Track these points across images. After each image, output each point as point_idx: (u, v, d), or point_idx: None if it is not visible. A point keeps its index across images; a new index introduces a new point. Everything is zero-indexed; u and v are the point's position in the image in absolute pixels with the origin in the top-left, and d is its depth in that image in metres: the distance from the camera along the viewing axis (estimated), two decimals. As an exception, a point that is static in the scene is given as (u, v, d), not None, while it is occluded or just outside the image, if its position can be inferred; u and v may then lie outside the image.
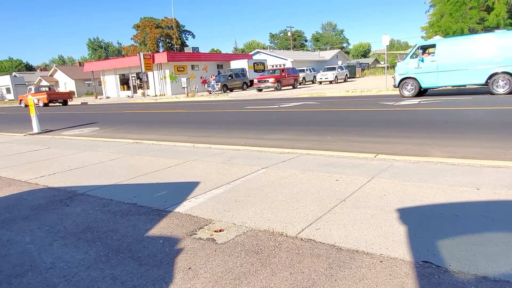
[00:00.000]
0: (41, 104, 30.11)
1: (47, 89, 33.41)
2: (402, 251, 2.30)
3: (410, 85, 14.94)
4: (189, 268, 2.28)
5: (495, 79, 13.09)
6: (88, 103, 33.73)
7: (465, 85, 14.37)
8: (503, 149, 5.13)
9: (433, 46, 14.44)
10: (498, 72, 12.96)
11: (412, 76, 14.76)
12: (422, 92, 15.08)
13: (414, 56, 14.78)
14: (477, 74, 13.37)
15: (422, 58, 14.48)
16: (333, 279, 2.05)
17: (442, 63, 14.01)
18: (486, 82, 13.32)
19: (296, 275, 2.12)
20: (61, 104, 32.75)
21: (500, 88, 13.08)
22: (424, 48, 14.82)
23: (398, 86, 15.41)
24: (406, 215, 2.87)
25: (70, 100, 33.48)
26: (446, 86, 14.75)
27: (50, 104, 31.60)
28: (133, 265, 2.36)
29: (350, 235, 2.58)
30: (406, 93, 15.08)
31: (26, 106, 26.11)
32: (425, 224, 2.66)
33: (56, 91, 36.43)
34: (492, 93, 13.24)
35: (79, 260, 2.48)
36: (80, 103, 34.53)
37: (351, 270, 2.13)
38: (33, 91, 32.12)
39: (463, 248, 2.28)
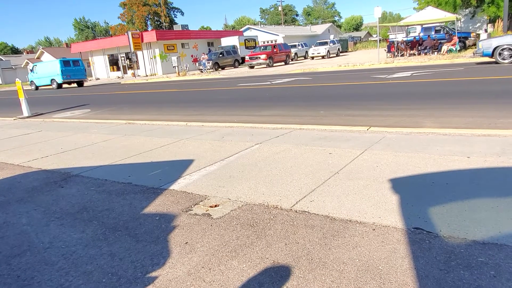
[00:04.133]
0: None
1: None
2: (394, 219, 2.35)
3: (34, 84, 30.58)
4: (186, 243, 2.32)
5: (53, 81, 28.91)
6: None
7: (48, 85, 29.32)
8: (494, 118, 5.18)
9: (36, 65, 30.88)
10: (54, 79, 28.92)
11: (33, 80, 30.39)
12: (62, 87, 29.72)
13: (31, 69, 31.02)
14: (48, 79, 29.11)
15: (34, 71, 30.43)
16: (327, 248, 2.10)
17: (39, 74, 29.94)
18: (53, 83, 29.17)
19: (291, 246, 2.16)
20: None
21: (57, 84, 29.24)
22: (35, 66, 30.87)
23: (30, 83, 31.59)
24: (398, 184, 2.92)
25: None
26: (43, 85, 29.89)
27: None
28: (131, 241, 2.39)
29: (344, 206, 2.62)
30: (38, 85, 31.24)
31: None
32: (417, 193, 2.71)
33: None
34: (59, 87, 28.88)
35: (77, 239, 2.51)
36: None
37: (344, 239, 2.18)
38: None
39: (453, 214, 2.34)
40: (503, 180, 2.82)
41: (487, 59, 13.98)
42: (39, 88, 30.73)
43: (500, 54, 13.16)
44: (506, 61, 13.07)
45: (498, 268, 1.76)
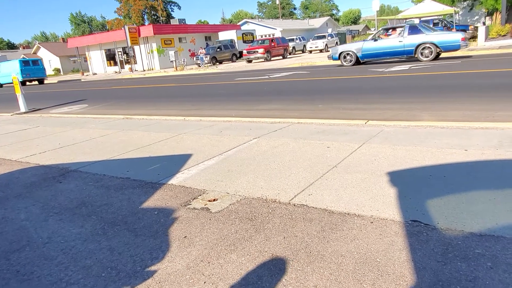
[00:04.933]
0: None
1: None
2: (392, 212, 2.37)
3: None
4: (185, 237, 2.33)
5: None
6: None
7: (10, 82, 28.39)
8: (492, 111, 5.18)
9: (0, 64, 33.00)
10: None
11: None
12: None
13: None
14: (10, 77, 27.75)
15: None
16: (325, 241, 2.11)
17: (2, 72, 32.13)
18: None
19: (290, 239, 2.17)
20: None
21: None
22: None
23: None
24: (396, 178, 2.93)
25: None
26: (6, 83, 31.82)
27: None
28: (130, 236, 2.40)
29: (342, 199, 2.63)
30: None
31: None
32: (415, 186, 2.72)
33: None
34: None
35: (76, 234, 2.51)
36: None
37: (343, 231, 2.19)
38: None
39: (451, 206, 2.35)
40: (501, 172, 2.83)
41: (339, 62, 16.21)
42: (3, 85, 33.97)
43: (344, 58, 15.75)
44: (348, 64, 15.61)
45: (495, 259, 1.78)
